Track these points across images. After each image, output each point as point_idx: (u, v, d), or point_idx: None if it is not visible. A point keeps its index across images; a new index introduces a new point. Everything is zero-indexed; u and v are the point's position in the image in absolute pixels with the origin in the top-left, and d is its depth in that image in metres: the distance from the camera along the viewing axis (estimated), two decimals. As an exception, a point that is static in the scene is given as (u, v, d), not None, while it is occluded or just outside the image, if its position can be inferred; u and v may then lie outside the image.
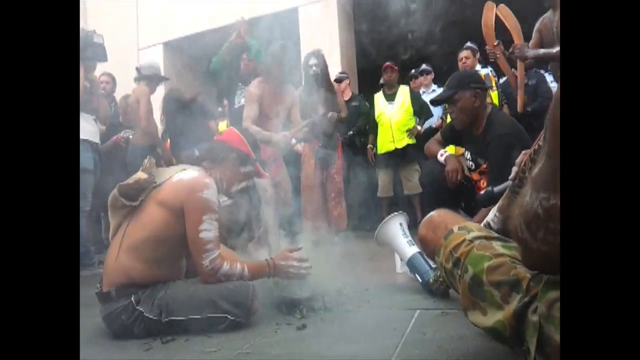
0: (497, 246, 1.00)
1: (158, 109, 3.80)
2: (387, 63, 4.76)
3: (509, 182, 1.64)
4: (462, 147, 2.61)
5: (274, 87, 3.43)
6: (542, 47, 3.07)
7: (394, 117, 4.69)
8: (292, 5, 6.09)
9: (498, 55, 3.06)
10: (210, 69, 4.28)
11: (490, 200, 1.55)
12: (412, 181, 4.63)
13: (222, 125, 4.28)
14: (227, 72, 4.28)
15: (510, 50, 3.00)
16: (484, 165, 2.43)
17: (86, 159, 3.53)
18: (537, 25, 3.21)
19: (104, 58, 3.65)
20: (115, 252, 1.68)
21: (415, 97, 4.79)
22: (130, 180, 1.71)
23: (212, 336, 1.63)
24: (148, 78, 4.06)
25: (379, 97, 4.86)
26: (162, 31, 6.68)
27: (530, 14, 3.22)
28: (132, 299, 1.66)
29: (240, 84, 4.29)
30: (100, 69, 4.09)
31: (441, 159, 2.59)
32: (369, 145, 4.91)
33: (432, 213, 1.21)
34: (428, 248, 1.18)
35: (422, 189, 4.49)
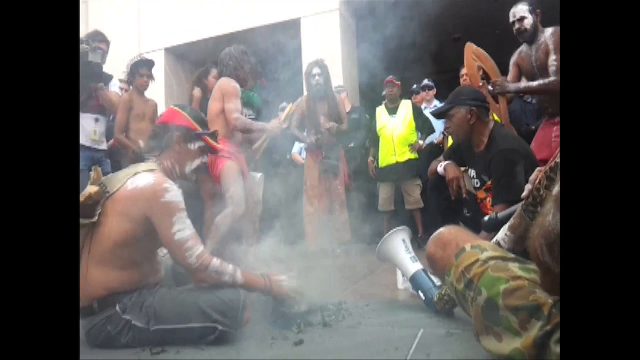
0: (515, 268, 0.94)
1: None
2: (389, 78, 4.74)
3: (514, 208, 1.60)
4: (465, 167, 2.58)
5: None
6: (520, 80, 3.20)
7: (396, 131, 4.65)
8: (295, 17, 6.08)
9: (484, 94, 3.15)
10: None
11: (495, 226, 1.51)
12: (414, 196, 4.58)
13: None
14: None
15: (491, 87, 3.14)
16: (489, 183, 2.39)
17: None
18: (513, 59, 3.32)
19: (97, 79, 3.47)
20: (85, 269, 1.59)
21: (418, 112, 4.76)
22: (82, 197, 1.56)
23: (204, 349, 1.56)
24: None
25: (381, 111, 4.83)
26: (164, 37, 6.66)
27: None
28: (117, 308, 1.59)
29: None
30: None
31: (440, 169, 2.56)
32: (370, 159, 4.87)
33: (441, 230, 1.15)
34: (437, 267, 1.12)
35: (423, 204, 4.50)
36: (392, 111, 4.76)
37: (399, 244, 2.05)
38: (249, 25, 5.95)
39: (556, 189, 0.84)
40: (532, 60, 3.14)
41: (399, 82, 4.78)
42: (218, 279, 1.58)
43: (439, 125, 4.69)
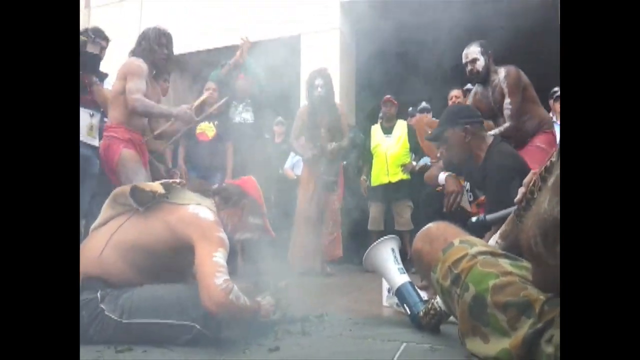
0: (505, 264, 0.88)
1: None
2: (387, 96, 4.75)
3: (505, 212, 1.54)
4: (462, 176, 2.53)
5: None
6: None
7: (389, 150, 4.63)
8: (295, 33, 6.13)
9: (444, 153, 3.20)
10: (210, 79, 4.28)
11: (482, 228, 1.46)
12: (404, 217, 4.53)
13: (204, 127, 4.12)
14: (224, 89, 4.26)
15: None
16: (482, 198, 2.34)
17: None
18: (469, 101, 3.29)
19: (92, 70, 3.38)
20: (101, 244, 1.61)
21: (413, 133, 4.75)
22: (147, 187, 1.67)
23: (173, 349, 1.47)
24: None
25: (376, 129, 4.82)
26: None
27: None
28: (98, 294, 1.55)
29: (234, 102, 4.26)
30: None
31: (441, 177, 2.50)
32: (363, 177, 4.83)
33: (429, 225, 1.08)
34: (423, 263, 1.05)
35: (413, 226, 4.45)
36: (387, 130, 4.76)
37: (387, 252, 1.98)
38: (249, 39, 5.99)
39: (552, 180, 0.78)
40: (490, 101, 3.11)
41: (397, 102, 4.79)
42: (237, 304, 1.51)
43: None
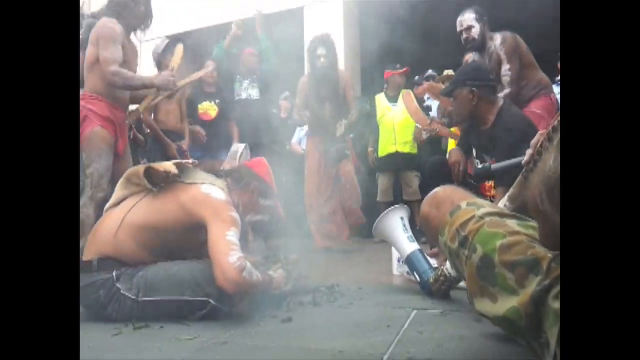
0: (512, 224, 0.87)
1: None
2: (405, 68, 4.67)
3: (510, 162, 1.51)
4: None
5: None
6: None
7: (396, 119, 4.56)
8: (297, 5, 6.01)
9: (437, 128, 3.22)
10: (213, 56, 4.21)
11: (486, 176, 1.43)
12: (412, 187, 4.50)
13: (206, 107, 4.08)
14: (228, 63, 4.20)
15: (443, 117, 3.19)
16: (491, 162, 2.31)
17: None
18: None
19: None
20: (115, 225, 1.63)
21: (418, 101, 4.67)
22: (160, 167, 1.67)
23: (189, 325, 1.51)
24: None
25: (380, 98, 4.73)
26: (164, 24, 6.59)
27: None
28: (114, 274, 1.58)
29: (238, 76, 4.21)
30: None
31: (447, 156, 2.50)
32: (370, 148, 4.77)
33: (436, 189, 1.07)
34: (431, 227, 1.04)
35: (421, 196, 4.42)
36: (392, 99, 4.65)
37: (396, 221, 1.99)
38: (251, 14, 5.90)
39: (557, 138, 0.77)
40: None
41: (405, 69, 4.70)
42: (250, 281, 1.52)
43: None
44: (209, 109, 4.01)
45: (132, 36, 2.66)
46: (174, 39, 3.87)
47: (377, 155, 4.65)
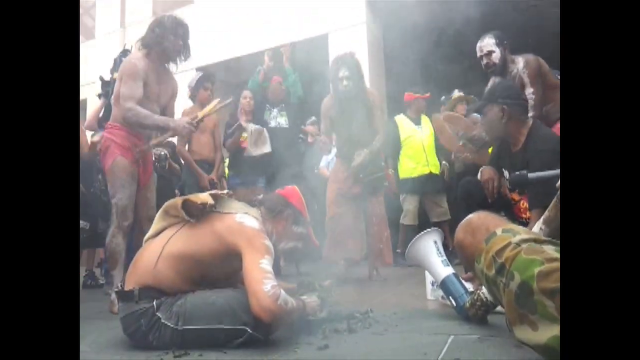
0: (549, 250, 0.87)
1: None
2: (427, 94, 4.73)
3: (548, 173, 1.49)
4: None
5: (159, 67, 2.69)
6: None
7: (425, 141, 4.59)
8: (322, 32, 6.15)
9: (469, 156, 3.22)
10: (248, 87, 4.33)
11: (521, 184, 1.40)
12: (443, 207, 4.47)
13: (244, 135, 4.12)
14: (260, 94, 4.32)
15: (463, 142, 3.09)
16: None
17: None
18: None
19: None
20: (155, 255, 1.68)
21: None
22: (197, 200, 1.73)
23: (227, 352, 1.53)
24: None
25: (403, 120, 4.75)
26: (194, 56, 6.83)
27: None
28: (154, 303, 1.63)
29: (267, 105, 4.31)
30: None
31: (479, 175, 2.47)
32: (390, 170, 4.68)
33: (470, 215, 1.08)
34: (466, 254, 1.05)
35: (450, 216, 4.37)
36: (415, 121, 4.71)
37: (430, 245, 1.97)
38: (275, 44, 6.06)
39: None
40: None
41: (427, 95, 4.74)
42: (285, 308, 1.56)
43: None
44: (247, 137, 4.10)
45: (171, 68, 2.72)
46: (207, 74, 3.99)
47: (399, 177, 4.65)
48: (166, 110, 2.74)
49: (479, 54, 3.06)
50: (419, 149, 4.58)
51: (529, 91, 2.84)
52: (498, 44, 2.97)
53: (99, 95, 3.76)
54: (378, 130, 3.40)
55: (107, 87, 3.60)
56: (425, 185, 4.51)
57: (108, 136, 2.58)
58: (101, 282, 3.83)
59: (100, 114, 3.73)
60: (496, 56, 2.97)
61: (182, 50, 2.65)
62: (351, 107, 3.35)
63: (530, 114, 2.79)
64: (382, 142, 3.44)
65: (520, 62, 2.92)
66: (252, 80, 4.43)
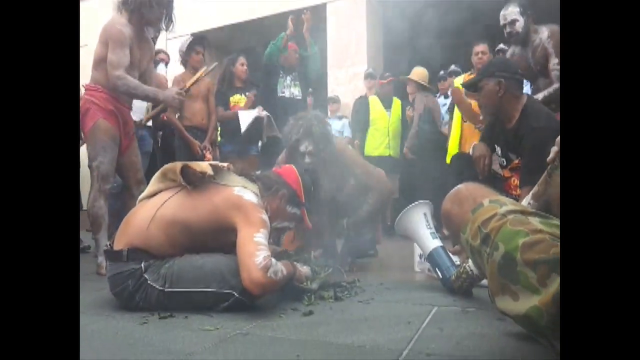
0: (535, 222, 0.86)
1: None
2: (390, 78, 4.82)
3: None
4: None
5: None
6: None
7: (391, 126, 4.78)
8: (320, 1, 6.01)
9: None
10: (267, 53, 4.22)
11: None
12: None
13: (237, 99, 4.06)
14: (276, 60, 4.23)
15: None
16: (516, 161, 2.28)
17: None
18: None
19: None
20: (147, 217, 1.66)
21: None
22: (197, 167, 1.70)
23: (213, 315, 1.54)
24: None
25: (375, 101, 4.82)
26: (190, 22, 6.68)
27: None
28: (142, 265, 1.63)
29: (281, 72, 4.24)
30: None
31: (470, 151, 2.46)
32: (356, 141, 4.83)
33: (459, 186, 1.07)
34: (452, 224, 1.04)
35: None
36: (387, 104, 4.81)
37: (419, 217, 1.98)
38: (275, 11, 5.93)
39: None
40: (529, 63, 2.95)
41: (392, 78, 4.84)
42: (275, 280, 1.55)
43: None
44: (239, 101, 4.03)
45: (147, 33, 2.64)
46: (198, 37, 3.90)
47: (364, 153, 4.68)
48: (145, 74, 2.66)
49: (502, 22, 2.99)
50: (383, 131, 4.75)
51: (554, 62, 2.79)
52: (522, 13, 2.90)
53: None
54: (371, 186, 2.56)
55: None
56: (381, 165, 4.53)
57: (88, 98, 2.49)
58: (87, 247, 3.78)
59: None
60: (520, 25, 2.90)
61: (163, 18, 2.56)
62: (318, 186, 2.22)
63: (556, 85, 2.75)
64: (376, 199, 2.53)
65: (544, 32, 2.86)
66: (273, 44, 4.26)
